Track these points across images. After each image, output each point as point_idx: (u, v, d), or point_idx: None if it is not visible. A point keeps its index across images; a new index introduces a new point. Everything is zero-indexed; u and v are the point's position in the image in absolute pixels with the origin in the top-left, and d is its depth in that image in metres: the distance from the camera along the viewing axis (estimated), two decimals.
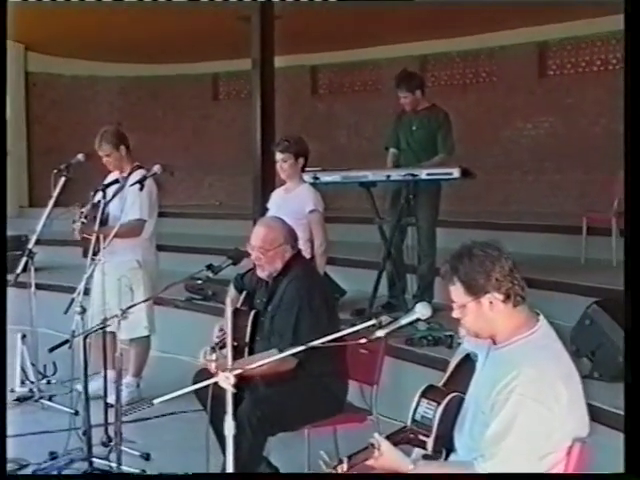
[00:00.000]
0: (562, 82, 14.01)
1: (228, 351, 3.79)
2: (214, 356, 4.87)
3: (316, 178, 8.00)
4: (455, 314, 3.59)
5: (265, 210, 7.39)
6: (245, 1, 8.99)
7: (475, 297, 3.50)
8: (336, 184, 8.39)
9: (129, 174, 7.14)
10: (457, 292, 3.54)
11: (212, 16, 11.40)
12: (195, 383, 4.31)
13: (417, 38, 14.11)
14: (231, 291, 5.88)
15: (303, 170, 7.47)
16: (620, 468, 5.34)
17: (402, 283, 8.51)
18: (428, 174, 8.00)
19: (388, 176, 8.29)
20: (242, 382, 4.53)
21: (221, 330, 5.33)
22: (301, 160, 7.32)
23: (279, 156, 7.32)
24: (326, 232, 7.32)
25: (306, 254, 6.84)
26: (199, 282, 8.61)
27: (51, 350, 6.88)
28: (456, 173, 7.83)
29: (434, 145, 8.55)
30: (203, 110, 16.98)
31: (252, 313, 5.43)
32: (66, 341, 6.37)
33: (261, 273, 5.44)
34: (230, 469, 3.69)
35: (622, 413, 5.54)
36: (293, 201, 7.21)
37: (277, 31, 9.11)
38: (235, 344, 5.11)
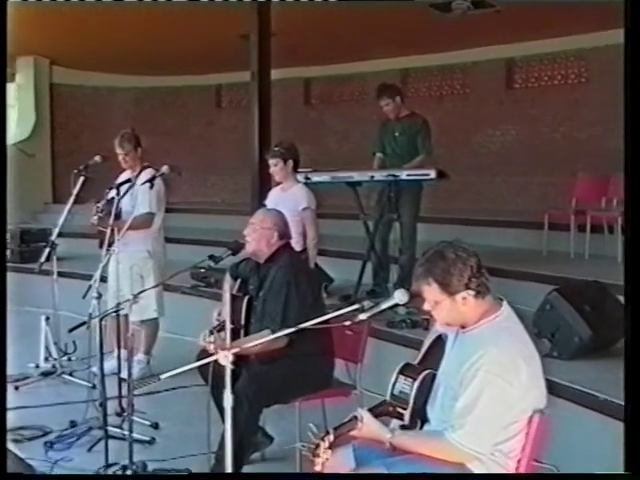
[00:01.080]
0: (527, 94, 14.03)
1: (227, 332, 3.79)
2: (212, 338, 4.91)
3: (307, 178, 8.04)
4: (427, 307, 3.60)
5: (262, 207, 7.40)
6: (245, 21, 8.96)
7: (449, 295, 3.50)
8: (326, 184, 8.40)
9: (139, 173, 7.13)
10: (432, 291, 3.53)
11: (216, 34, 11.43)
12: (198, 361, 4.29)
13: (399, 54, 14.14)
14: (227, 279, 5.88)
15: (296, 171, 7.49)
16: (573, 437, 5.37)
17: (385, 272, 8.54)
18: (408, 175, 8.05)
19: (372, 177, 8.34)
20: (239, 360, 4.55)
21: (219, 314, 5.33)
22: (290, 162, 7.36)
23: (270, 161, 7.42)
24: (318, 227, 7.36)
25: (299, 247, 6.88)
26: (202, 270, 8.68)
27: (70, 330, 6.97)
28: (433, 174, 7.87)
29: (415, 148, 8.55)
30: (208, 117, 17.01)
31: (246, 298, 5.44)
32: (83, 323, 6.43)
33: (248, 248, 5.47)
34: (229, 438, 3.68)
35: (578, 387, 5.58)
36: (288, 199, 7.21)
37: (273, 47, 9.11)
38: (232, 326, 5.12)
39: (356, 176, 8.37)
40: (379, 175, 8.28)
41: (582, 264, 9.06)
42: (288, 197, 7.30)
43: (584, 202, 10.13)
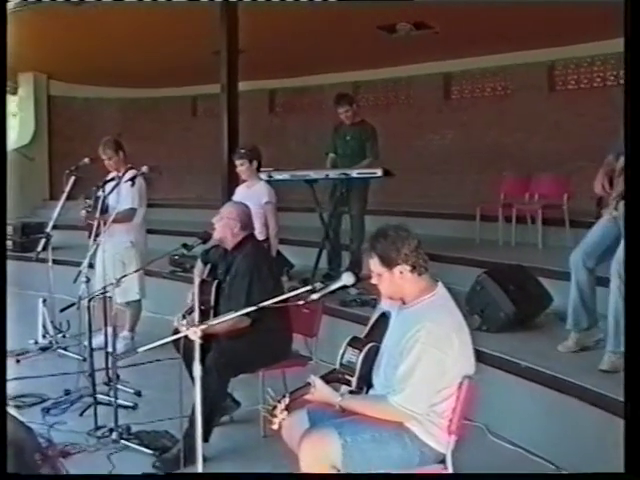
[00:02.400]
0: (462, 104, 14.03)
1: (195, 311, 3.79)
2: (184, 321, 4.90)
3: (270, 176, 8.03)
4: (373, 281, 3.63)
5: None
6: (216, 39, 8.90)
7: (388, 268, 3.52)
8: (286, 181, 8.38)
9: (124, 173, 7.10)
10: (375, 264, 3.57)
11: (191, 50, 11.38)
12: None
13: (352, 68, 14.11)
14: (198, 264, 5.88)
15: (259, 170, 7.48)
16: (500, 399, 5.41)
17: (338, 258, 8.55)
18: (358, 173, 8.07)
19: (327, 175, 8.34)
20: (210, 337, 4.55)
21: (192, 297, 5.32)
22: (255, 163, 7.40)
23: (237, 162, 7.44)
24: (278, 219, 7.36)
25: (262, 236, 6.88)
26: (177, 257, 8.67)
27: (61, 310, 6.98)
28: (379, 173, 7.88)
29: (364, 151, 8.57)
30: (184, 124, 16.88)
31: (215, 283, 5.42)
32: (73, 304, 6.41)
33: (215, 235, 5.48)
34: (199, 403, 3.68)
35: (504, 356, 5.61)
36: (252, 195, 7.20)
37: (241, 62, 9.05)
38: (202, 307, 5.11)
39: (313, 174, 8.37)
40: (333, 173, 8.29)
41: (509, 250, 9.11)
42: (252, 193, 7.29)
43: (510, 197, 10.20)
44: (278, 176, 8.23)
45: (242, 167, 7.40)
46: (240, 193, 7.43)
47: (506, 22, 10.25)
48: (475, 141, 13.18)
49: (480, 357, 5.34)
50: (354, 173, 8.05)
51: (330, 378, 3.72)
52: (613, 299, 5.14)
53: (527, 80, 12.91)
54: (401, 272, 3.53)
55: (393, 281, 3.56)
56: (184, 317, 5.07)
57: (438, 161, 13.52)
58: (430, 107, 14.08)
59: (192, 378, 4.21)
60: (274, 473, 3.51)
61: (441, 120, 13.91)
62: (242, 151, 7.49)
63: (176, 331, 4.75)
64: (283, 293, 3.90)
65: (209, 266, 5.76)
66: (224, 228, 5.41)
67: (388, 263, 3.54)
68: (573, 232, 8.36)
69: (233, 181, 7.95)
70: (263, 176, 7.71)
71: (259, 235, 6.57)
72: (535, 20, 10.07)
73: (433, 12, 10.37)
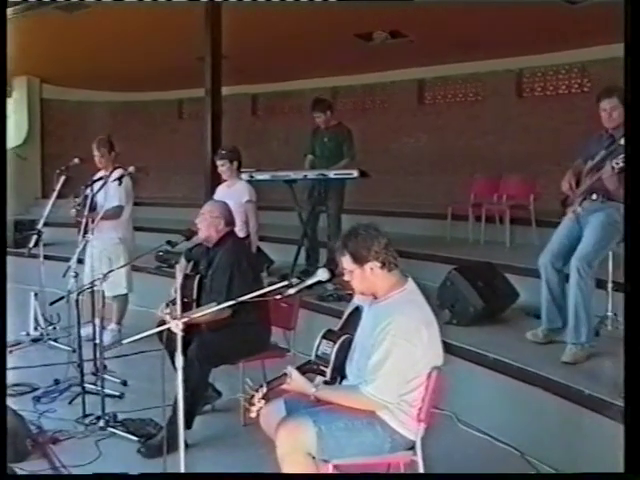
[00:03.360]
0: (435, 109, 14.07)
1: (177, 305, 3.77)
2: (168, 310, 4.87)
3: (252, 176, 8.02)
4: (346, 278, 3.63)
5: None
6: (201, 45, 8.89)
7: (359, 265, 3.53)
8: (267, 181, 8.36)
9: (111, 172, 7.09)
10: (347, 261, 3.58)
11: (177, 56, 11.40)
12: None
13: (331, 74, 14.13)
14: (182, 261, 5.88)
15: (239, 170, 7.48)
16: (469, 389, 5.43)
17: (315, 255, 8.54)
18: (335, 174, 8.06)
19: (305, 176, 8.32)
20: (193, 329, 4.54)
21: (175, 290, 5.30)
22: (235, 163, 7.41)
23: (218, 162, 7.45)
24: (258, 217, 7.38)
25: (243, 233, 6.88)
26: (161, 254, 8.64)
27: (51, 304, 6.97)
28: (355, 174, 7.87)
29: (341, 153, 8.54)
30: (171, 126, 16.85)
31: (197, 277, 5.41)
32: (62, 297, 6.40)
33: (200, 235, 5.46)
34: (181, 392, 3.67)
35: (472, 349, 5.63)
36: (233, 194, 7.20)
37: (225, 67, 9.03)
38: (185, 300, 5.11)
39: (292, 175, 8.34)
40: (311, 174, 8.28)
41: (478, 248, 9.15)
42: (233, 192, 7.29)
43: (480, 197, 10.23)
44: (259, 176, 8.21)
45: (223, 167, 7.40)
46: (221, 192, 7.43)
47: (477, 32, 10.31)
48: (448, 144, 13.21)
49: (450, 349, 5.40)
50: (331, 174, 8.04)
51: (305, 369, 3.72)
52: (572, 293, 5.19)
53: (497, 86, 12.97)
54: (371, 269, 3.53)
55: (364, 277, 3.56)
56: (167, 306, 5.05)
57: (412, 163, 13.54)
58: (405, 112, 14.10)
59: (175, 368, 4.22)
60: (274, 473, 3.49)
61: (415, 124, 13.93)
62: (223, 152, 7.50)
63: (160, 322, 4.74)
64: (262, 288, 3.90)
65: (192, 262, 5.75)
66: (209, 227, 5.39)
67: (359, 260, 3.55)
68: (539, 231, 8.41)
69: (216, 181, 7.93)
70: (245, 176, 7.72)
71: (240, 232, 6.56)
72: (504, 30, 10.13)
73: (408, 21, 10.41)
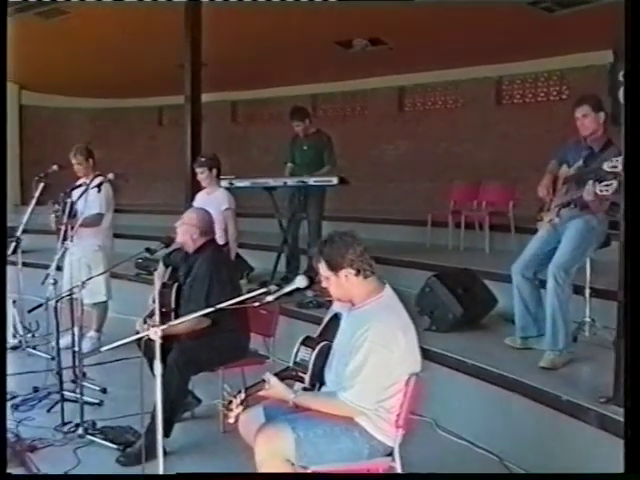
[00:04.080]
0: (415, 116, 14.13)
1: (156, 313, 3.77)
2: (145, 326, 4.87)
3: (231, 184, 8.03)
4: (323, 284, 3.66)
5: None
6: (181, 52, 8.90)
7: (334, 272, 3.56)
8: (247, 188, 8.37)
9: (91, 180, 7.06)
10: (322, 268, 3.62)
11: (157, 63, 11.41)
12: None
13: (310, 81, 14.16)
14: (160, 267, 5.88)
15: (219, 178, 7.50)
16: (449, 395, 5.46)
17: (296, 262, 8.52)
18: (314, 181, 8.07)
19: (285, 182, 8.32)
20: (171, 337, 4.53)
21: (153, 300, 5.30)
22: (214, 170, 7.39)
23: (197, 170, 7.44)
24: (237, 224, 7.37)
25: (222, 240, 6.87)
26: (140, 261, 8.62)
27: (30, 311, 6.92)
28: (335, 181, 7.89)
29: (321, 160, 8.55)
30: (151, 133, 16.85)
31: (175, 286, 5.41)
32: (40, 305, 6.37)
33: (177, 239, 5.49)
34: (159, 399, 3.67)
35: (452, 355, 5.65)
36: (212, 201, 7.19)
37: (204, 75, 9.04)
38: (163, 310, 5.11)
39: (272, 182, 8.36)
40: (291, 181, 8.28)
41: (457, 255, 9.18)
42: (212, 199, 7.28)
43: (460, 204, 10.27)
44: (239, 183, 8.23)
45: (202, 175, 7.39)
46: (200, 199, 7.42)
47: (456, 39, 10.38)
48: (427, 151, 13.27)
49: (429, 356, 5.43)
50: (311, 181, 8.06)
51: (284, 375, 3.73)
52: (549, 300, 5.24)
53: (476, 94, 13.05)
54: (346, 276, 3.56)
55: (340, 284, 3.59)
56: (145, 322, 5.06)
57: (392, 170, 13.58)
58: (385, 119, 14.15)
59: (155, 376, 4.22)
60: (275, 473, 3.49)
61: (395, 131, 13.98)
62: (202, 159, 7.48)
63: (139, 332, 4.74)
64: (242, 295, 3.91)
65: (170, 268, 5.76)
66: (184, 233, 5.41)
67: (334, 267, 3.57)
68: (518, 237, 8.44)
69: (196, 187, 7.92)
70: (224, 183, 7.72)
71: (219, 240, 6.56)
72: (483, 38, 10.19)
73: (388, 29, 10.46)
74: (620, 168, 4.56)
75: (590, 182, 5.05)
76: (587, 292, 5.83)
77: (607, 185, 4.83)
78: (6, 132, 5.92)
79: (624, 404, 3.82)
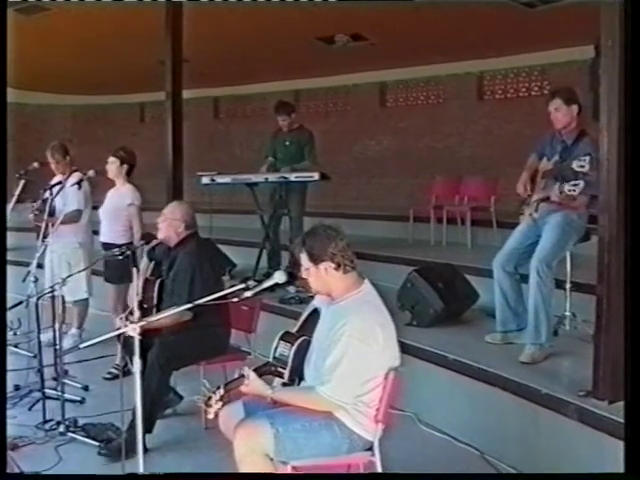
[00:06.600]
0: (397, 111, 14.18)
1: (134, 308, 3.76)
2: (125, 322, 4.84)
3: (213, 180, 8.02)
4: (303, 275, 3.67)
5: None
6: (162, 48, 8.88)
7: (314, 263, 3.57)
8: (228, 184, 8.36)
9: (69, 176, 7.02)
10: (304, 259, 3.64)
11: (138, 60, 11.36)
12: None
13: (292, 77, 14.17)
14: (144, 261, 5.85)
15: (129, 175, 7.32)
16: (429, 389, 5.47)
17: (277, 258, 8.53)
18: (296, 177, 8.07)
19: (266, 179, 8.30)
20: (152, 332, 4.52)
21: (138, 293, 5.27)
22: (125, 166, 7.21)
23: (109, 159, 7.25)
24: (142, 220, 7.11)
25: (125, 239, 6.87)
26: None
27: (10, 308, 6.80)
28: (316, 176, 7.92)
29: (302, 155, 8.56)
30: (133, 129, 16.76)
31: (157, 281, 5.40)
32: (20, 302, 6.31)
33: (159, 235, 5.44)
34: (139, 396, 3.67)
35: (433, 350, 5.66)
36: (117, 197, 7.17)
37: (186, 71, 9.01)
38: (145, 305, 5.10)
39: (253, 178, 8.34)
40: (272, 177, 8.26)
41: (439, 250, 9.20)
42: (117, 195, 7.19)
43: (441, 199, 10.31)
44: (221, 180, 8.23)
45: (112, 165, 7.17)
46: (109, 196, 7.29)
47: (438, 35, 10.40)
48: (409, 146, 13.32)
49: (411, 351, 5.44)
50: (292, 177, 8.06)
51: (263, 371, 3.73)
52: (532, 294, 5.26)
53: (458, 89, 13.08)
54: (326, 269, 3.57)
55: (319, 276, 3.60)
56: (127, 319, 5.03)
57: (374, 165, 13.62)
58: (367, 114, 14.18)
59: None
60: (275, 473, 3.48)
61: (377, 127, 14.02)
62: (120, 152, 7.28)
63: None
64: (224, 290, 3.90)
65: (153, 263, 5.75)
66: (168, 228, 5.39)
67: (314, 259, 3.58)
68: (500, 232, 8.46)
69: (178, 184, 7.90)
70: (206, 179, 7.69)
71: (122, 238, 6.66)
72: (465, 33, 10.22)
73: (369, 24, 10.46)
74: (587, 168, 4.63)
75: (557, 183, 5.11)
76: (568, 286, 5.86)
77: (574, 185, 4.87)
78: (6, 132, 5.91)
79: (624, 404, 3.81)
